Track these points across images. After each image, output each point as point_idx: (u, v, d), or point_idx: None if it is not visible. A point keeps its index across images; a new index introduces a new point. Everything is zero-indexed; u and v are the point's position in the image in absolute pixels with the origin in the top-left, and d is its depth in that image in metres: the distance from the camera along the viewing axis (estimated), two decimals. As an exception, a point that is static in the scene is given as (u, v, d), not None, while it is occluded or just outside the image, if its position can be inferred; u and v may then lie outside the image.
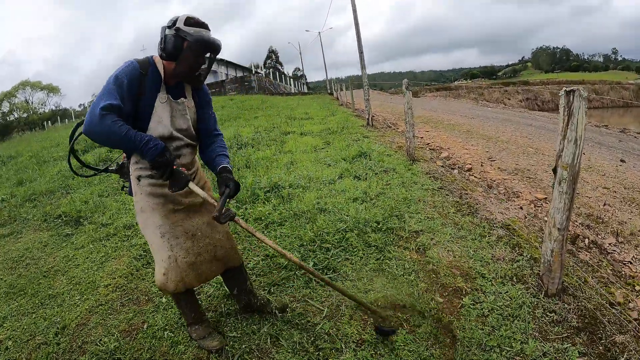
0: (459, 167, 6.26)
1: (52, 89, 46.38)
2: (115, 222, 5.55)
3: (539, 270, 2.98)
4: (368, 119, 11.08)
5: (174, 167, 2.21)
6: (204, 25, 2.25)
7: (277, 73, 51.68)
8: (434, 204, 4.60)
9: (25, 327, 3.44)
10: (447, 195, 4.87)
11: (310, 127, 10.81)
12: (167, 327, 3.00)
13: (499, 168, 6.27)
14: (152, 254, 2.48)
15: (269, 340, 2.72)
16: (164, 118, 2.28)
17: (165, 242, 2.37)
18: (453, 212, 4.35)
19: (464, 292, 3.02)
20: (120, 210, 6.04)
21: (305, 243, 4.04)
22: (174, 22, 2.21)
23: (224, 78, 39.99)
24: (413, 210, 4.47)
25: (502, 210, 4.37)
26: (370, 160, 6.69)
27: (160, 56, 2.25)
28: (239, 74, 46.45)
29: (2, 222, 6.48)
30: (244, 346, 2.69)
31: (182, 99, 2.39)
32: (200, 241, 2.48)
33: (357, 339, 2.70)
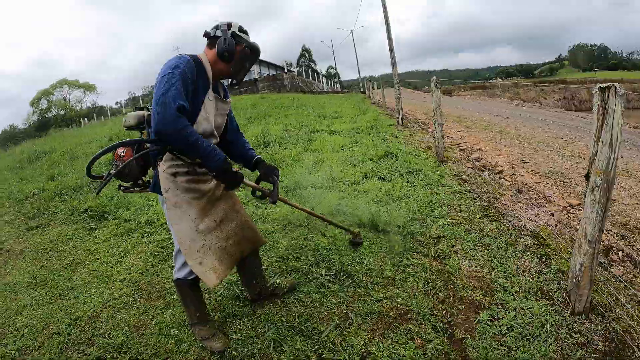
0: (489, 169, 5.98)
1: (89, 87, 47.83)
2: (138, 218, 5.58)
3: (567, 285, 2.74)
4: (398, 118, 10.84)
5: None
6: (247, 32, 2.47)
7: (309, 71, 51.63)
8: (459, 208, 4.38)
9: (41, 316, 3.56)
10: (474, 199, 4.63)
11: (340, 125, 10.65)
12: (174, 324, 3.03)
13: (531, 171, 5.95)
14: (182, 248, 2.47)
15: (272, 345, 2.68)
16: (210, 115, 2.42)
17: (199, 234, 2.45)
18: (479, 218, 4.12)
19: (482, 307, 2.82)
20: (143, 206, 6.06)
21: (320, 247, 3.94)
22: (229, 26, 2.39)
23: (256, 76, 40.21)
24: (437, 214, 4.28)
25: (532, 216, 4.10)
26: (397, 160, 6.48)
27: (220, 56, 2.36)
28: (272, 72, 46.63)
29: (31, 215, 6.63)
30: (246, 349, 2.66)
31: (229, 99, 2.61)
32: (227, 225, 2.58)
33: (363, 350, 2.59)
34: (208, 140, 2.35)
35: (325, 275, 3.43)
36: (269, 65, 50.63)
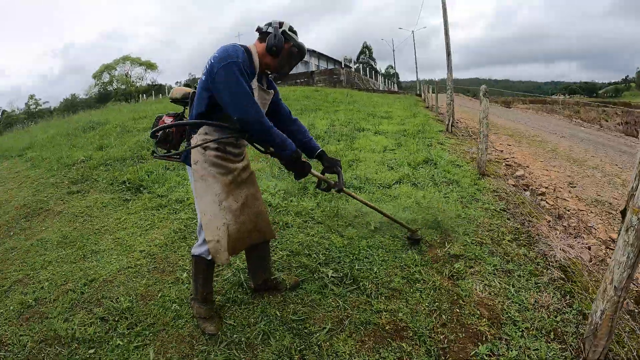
0: (532, 189, 5.57)
1: (150, 65, 49.52)
2: (170, 195, 5.66)
3: (584, 331, 2.43)
4: (448, 124, 10.44)
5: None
6: (296, 32, 2.60)
7: (368, 69, 51.05)
8: (489, 227, 4.09)
9: (63, 273, 3.90)
10: (508, 219, 4.31)
11: (387, 126, 10.37)
12: (176, 300, 3.19)
13: (577, 197, 5.49)
14: (203, 221, 2.58)
15: (260, 337, 2.72)
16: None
17: (221, 211, 2.55)
18: (508, 240, 3.82)
19: (484, 339, 2.59)
20: (179, 184, 6.14)
21: (333, 247, 3.84)
22: (281, 24, 2.52)
23: (313, 69, 40.17)
24: (462, 230, 4.01)
25: (566, 246, 3.74)
26: (435, 168, 6.21)
27: (269, 50, 2.47)
28: (330, 66, 46.47)
29: (75, 180, 6.96)
30: (235, 336, 2.73)
31: (272, 90, 2.71)
32: (245, 210, 2.68)
33: None
34: None
35: (331, 276, 3.34)
36: (327, 59, 50.48)
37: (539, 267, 3.38)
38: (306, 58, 44.00)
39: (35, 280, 3.84)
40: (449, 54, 11.05)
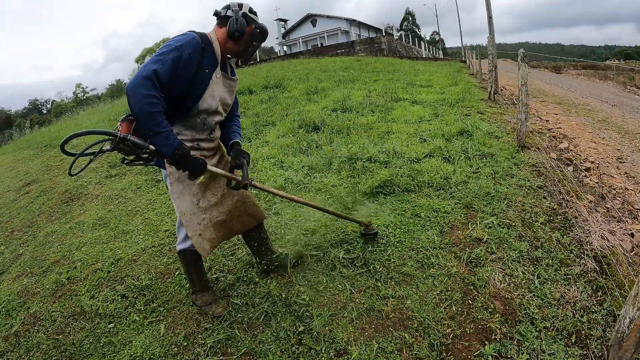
0: (576, 163, 5.10)
1: None
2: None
3: (611, 336, 2.09)
4: (490, 92, 9.78)
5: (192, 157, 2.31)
6: (256, 14, 2.48)
7: (410, 36, 49.13)
8: (521, 207, 3.72)
9: (94, 253, 4.16)
10: (544, 198, 3.91)
11: (426, 95, 9.83)
12: None
13: (625, 173, 4.94)
14: (182, 220, 2.53)
15: (262, 317, 2.73)
16: (217, 92, 2.45)
17: (200, 207, 2.54)
18: (540, 223, 3.44)
19: (493, 337, 2.32)
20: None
21: (350, 227, 3.64)
22: (241, 6, 2.41)
23: (354, 39, 39.10)
24: (490, 210, 3.68)
25: (606, 232, 3.31)
26: (470, 140, 5.76)
27: (230, 35, 2.38)
28: (371, 35, 45.08)
29: (113, 164, 7.19)
30: (238, 315, 2.78)
31: (236, 77, 2.62)
32: (228, 199, 2.68)
33: (342, 347, 2.40)
34: (212, 117, 2.49)
35: (342, 258, 3.19)
36: (368, 28, 48.99)
37: (572, 255, 3.02)
38: (346, 28, 43.03)
39: (70, 261, 4.16)
40: (490, 16, 10.31)
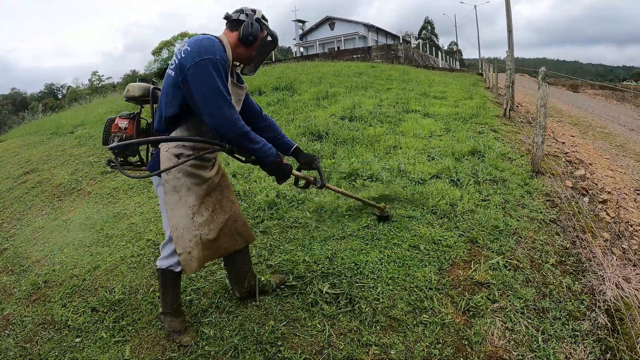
0: (592, 194, 4.69)
1: None
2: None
3: None
4: (505, 108, 9.37)
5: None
6: (267, 20, 2.34)
7: (427, 45, 48.50)
8: (532, 244, 3.35)
9: (75, 257, 3.99)
10: (556, 234, 3.54)
11: (439, 108, 9.46)
12: None
13: (645, 208, 4.57)
14: (173, 235, 2.31)
15: (231, 352, 2.47)
16: (230, 99, 2.19)
17: (194, 222, 2.32)
18: (551, 265, 3.07)
19: None
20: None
21: (339, 256, 3.32)
22: (255, 12, 2.26)
23: (371, 44, 38.68)
24: (497, 247, 3.30)
25: (621, 280, 2.91)
26: (482, 162, 5.38)
27: (243, 40, 2.23)
28: (389, 41, 44.61)
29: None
30: (206, 347, 2.52)
31: (245, 85, 2.43)
32: (221, 216, 2.44)
33: None
34: None
35: (326, 292, 2.85)
36: (386, 34, 48.60)
37: (582, 307, 2.64)
38: (364, 33, 42.72)
39: (50, 262, 4.01)
40: (510, 30, 9.91)
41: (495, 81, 14.27)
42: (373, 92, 11.63)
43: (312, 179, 2.68)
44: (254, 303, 2.84)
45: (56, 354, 2.71)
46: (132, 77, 58.00)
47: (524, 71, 34.27)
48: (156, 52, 52.18)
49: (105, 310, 3.06)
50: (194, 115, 2.21)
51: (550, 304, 2.64)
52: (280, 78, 13.81)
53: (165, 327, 2.63)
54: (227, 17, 2.30)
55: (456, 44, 73.08)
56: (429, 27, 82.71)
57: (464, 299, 2.71)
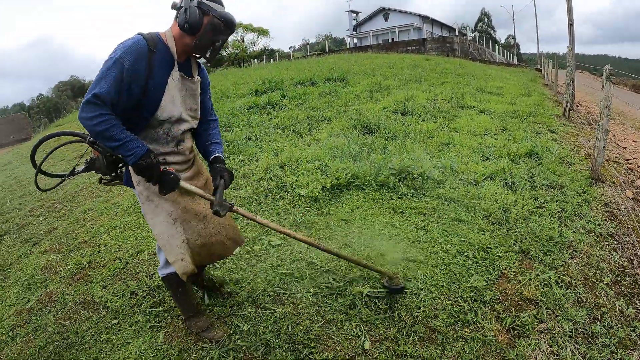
0: (657, 206, 4.35)
1: (262, 32, 50.35)
2: (239, 169, 5.36)
3: None
4: (565, 108, 8.85)
5: (161, 169, 2.03)
6: (221, 2, 2.12)
7: (484, 38, 46.45)
8: (587, 260, 3.14)
9: (120, 240, 4.07)
10: (613, 250, 3.30)
11: (495, 105, 9.04)
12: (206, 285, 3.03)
13: None
14: (160, 243, 2.26)
15: (262, 349, 2.46)
16: (176, 97, 2.14)
17: (178, 228, 2.22)
18: (605, 284, 2.86)
19: None
20: (253, 156, 5.81)
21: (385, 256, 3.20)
22: None
23: (426, 36, 37.53)
24: (549, 260, 3.12)
25: None
26: (539, 165, 5.11)
27: (182, 27, 2.04)
28: (445, 33, 43.12)
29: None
30: (238, 342, 2.51)
31: (196, 77, 2.27)
32: (211, 222, 2.34)
33: None
34: (177, 126, 2.19)
35: (366, 295, 2.77)
36: (442, 26, 46.87)
37: (634, 335, 2.43)
38: (419, 24, 41.57)
39: (96, 244, 4.10)
40: (571, 24, 9.27)
41: (554, 78, 13.52)
42: (427, 86, 11.30)
43: (213, 198, 2.20)
44: (291, 300, 2.82)
45: (92, 333, 2.80)
46: None
47: (584, 68, 32.27)
48: None
49: (143, 295, 3.11)
50: (139, 123, 2.12)
51: (600, 328, 2.46)
52: (332, 69, 13.70)
53: (193, 330, 2.60)
54: (173, 6, 2.13)
55: (514, 37, 69.66)
56: (486, 20, 79.18)
57: (509, 315, 2.57)
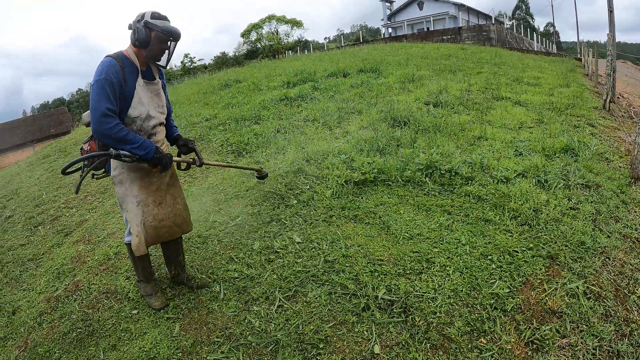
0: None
1: (295, 23, 50.16)
2: (267, 162, 5.29)
3: None
4: (605, 100, 8.30)
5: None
6: (165, 18, 2.57)
7: (522, 26, 44.26)
8: (620, 269, 2.90)
9: None
10: (651, 257, 3.05)
11: (531, 96, 8.55)
12: (224, 279, 3.23)
13: None
14: (127, 216, 2.72)
15: (271, 346, 2.48)
16: (144, 98, 2.61)
17: (139, 210, 2.69)
18: (637, 298, 2.63)
19: None
20: (281, 149, 5.74)
21: (407, 256, 3.08)
22: (142, 16, 2.51)
23: (461, 24, 36.18)
24: (579, 268, 2.89)
25: None
26: (575, 162, 4.75)
27: (134, 44, 2.54)
28: (481, 21, 41.51)
29: (194, 139, 6.98)
30: (249, 338, 2.55)
31: (157, 79, 2.75)
32: (164, 209, 2.79)
33: None
34: (147, 122, 2.66)
35: (381, 298, 2.67)
36: (478, 14, 44.96)
37: None
38: (454, 13, 40.21)
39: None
40: (610, 10, 8.62)
41: (594, 68, 12.74)
42: (462, 76, 10.84)
43: (192, 160, 2.88)
44: (304, 299, 2.79)
45: (113, 322, 2.89)
46: (222, 58, 59.38)
47: (626, 57, 30.32)
48: (245, 34, 53.18)
49: (164, 287, 3.16)
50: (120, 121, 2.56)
51: (627, 346, 2.26)
52: (366, 60, 13.40)
53: (141, 291, 3.04)
54: (129, 27, 2.58)
55: (553, 25, 66.24)
56: (523, 7, 75.32)
57: (530, 327, 2.39)
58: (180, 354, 2.50)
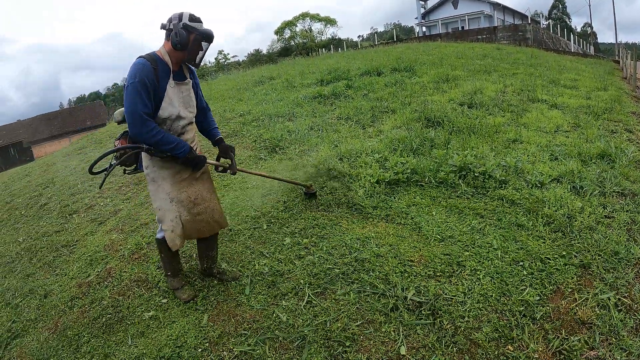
0: None
1: (329, 21, 49.77)
2: (300, 159, 5.33)
3: None
4: (646, 106, 8.04)
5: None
6: (200, 20, 2.59)
7: (558, 26, 42.37)
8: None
9: None
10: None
11: (568, 99, 8.25)
12: (253, 273, 3.25)
13: None
14: (158, 215, 2.76)
15: (297, 342, 2.49)
16: (174, 100, 2.63)
17: (173, 206, 2.72)
18: None
19: None
20: (315, 146, 5.77)
21: (437, 257, 3.06)
22: (180, 18, 2.53)
23: (497, 24, 35.04)
24: (611, 278, 2.78)
25: None
26: (612, 168, 4.57)
27: (174, 47, 2.54)
28: (517, 21, 40.07)
29: (226, 135, 7.17)
30: (276, 332, 2.57)
31: (188, 79, 2.76)
32: (200, 205, 2.82)
33: None
34: (177, 122, 2.68)
35: (410, 299, 2.66)
36: (514, 13, 43.33)
37: None
38: (490, 12, 39.05)
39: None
40: None
41: (632, 70, 12.18)
42: (497, 77, 10.56)
43: (228, 165, 2.99)
44: (333, 296, 2.79)
45: (142, 310, 2.95)
46: (256, 55, 59.33)
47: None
48: (279, 31, 53.07)
49: (194, 278, 3.19)
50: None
51: None
52: (400, 59, 13.21)
53: (168, 285, 3.09)
54: (162, 27, 2.58)
55: (590, 25, 63.44)
56: (560, 6, 72.01)
57: (558, 337, 2.34)
58: (207, 344, 2.54)
